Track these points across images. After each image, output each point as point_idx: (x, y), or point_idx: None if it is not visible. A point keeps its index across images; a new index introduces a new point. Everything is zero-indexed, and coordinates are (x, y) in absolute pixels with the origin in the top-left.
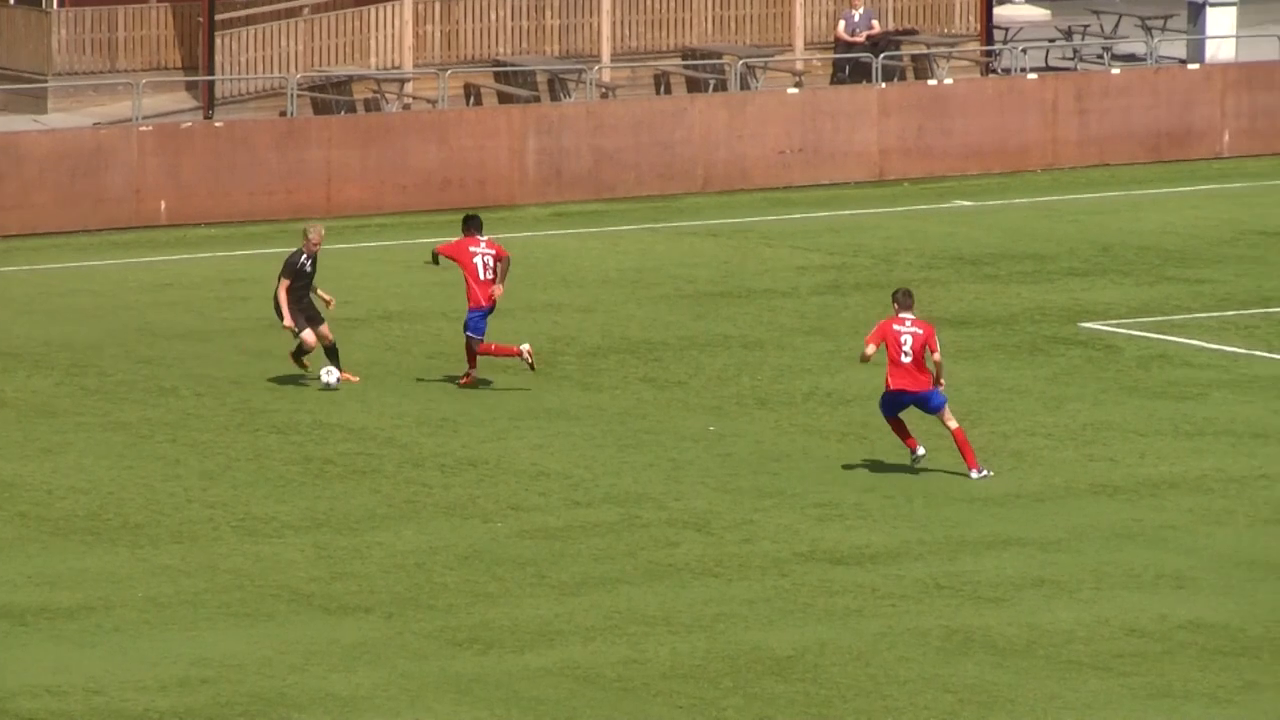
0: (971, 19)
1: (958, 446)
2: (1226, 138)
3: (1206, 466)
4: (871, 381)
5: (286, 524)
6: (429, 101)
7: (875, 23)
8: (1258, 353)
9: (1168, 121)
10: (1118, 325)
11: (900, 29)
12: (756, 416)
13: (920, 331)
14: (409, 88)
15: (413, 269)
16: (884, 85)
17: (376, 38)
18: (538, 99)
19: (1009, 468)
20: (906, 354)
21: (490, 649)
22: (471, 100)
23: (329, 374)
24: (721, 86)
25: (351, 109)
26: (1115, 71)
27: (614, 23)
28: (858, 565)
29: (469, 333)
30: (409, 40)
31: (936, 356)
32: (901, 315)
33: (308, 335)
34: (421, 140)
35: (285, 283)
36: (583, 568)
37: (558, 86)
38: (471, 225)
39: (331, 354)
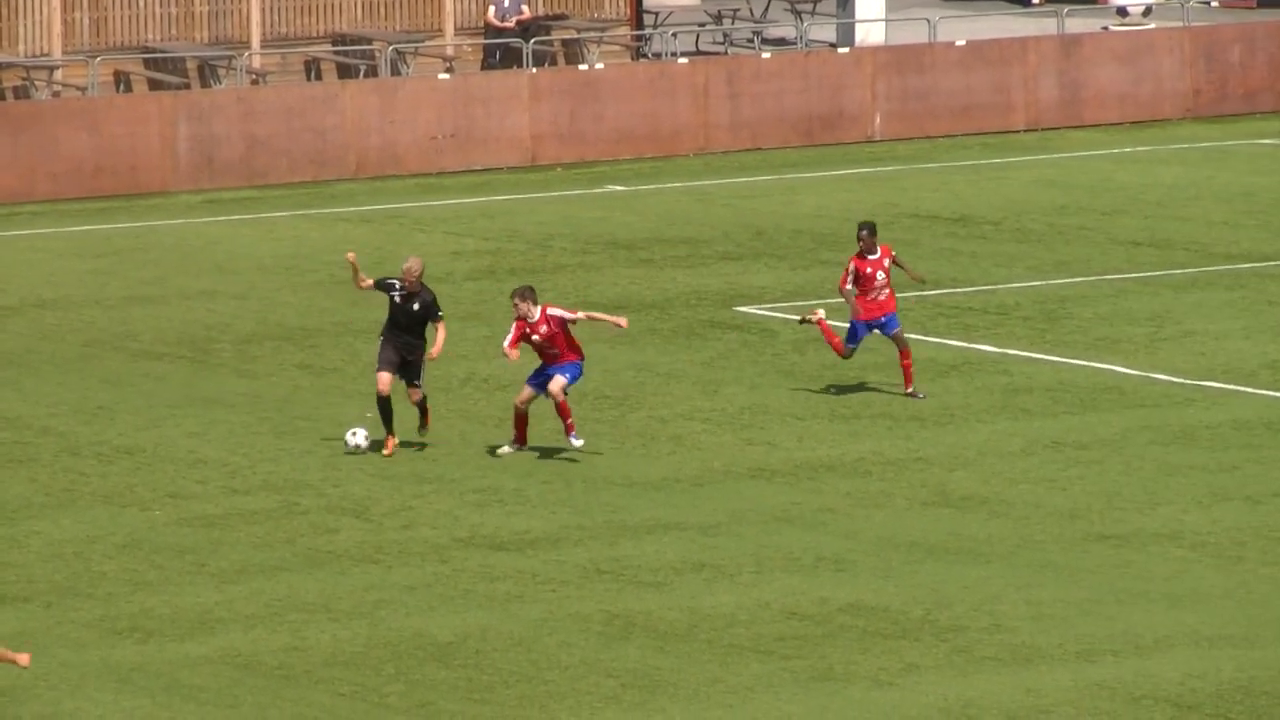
0: (621, 4)
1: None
2: (878, 121)
3: (864, 449)
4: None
5: None
6: (79, 89)
7: (525, 8)
8: (910, 335)
9: (819, 105)
10: (773, 309)
11: (550, 14)
12: None
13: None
14: (58, 75)
15: (64, 256)
16: (535, 70)
17: (25, 24)
18: (188, 86)
19: (667, 452)
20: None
21: (151, 637)
22: (122, 87)
23: (354, 435)
24: (372, 72)
25: (0, 96)
26: (766, 56)
27: (263, 9)
28: (518, 551)
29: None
30: (57, 27)
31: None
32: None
33: (380, 376)
34: (72, 128)
35: (369, 281)
36: (242, 555)
37: (208, 73)
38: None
39: (420, 410)
